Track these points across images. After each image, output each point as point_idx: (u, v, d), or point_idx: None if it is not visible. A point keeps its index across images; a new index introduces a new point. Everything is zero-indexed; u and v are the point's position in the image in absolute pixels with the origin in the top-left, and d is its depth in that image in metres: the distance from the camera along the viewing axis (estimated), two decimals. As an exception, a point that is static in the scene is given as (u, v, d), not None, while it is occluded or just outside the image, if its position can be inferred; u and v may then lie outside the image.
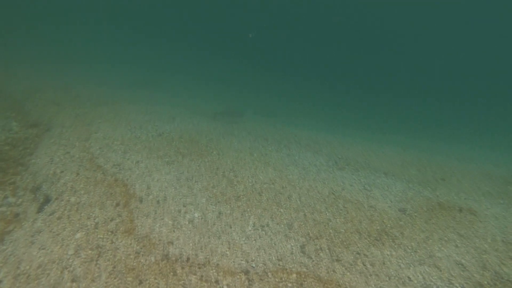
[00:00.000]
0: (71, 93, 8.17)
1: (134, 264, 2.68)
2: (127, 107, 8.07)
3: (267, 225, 3.55)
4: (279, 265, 2.94)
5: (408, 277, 2.95)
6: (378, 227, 3.76)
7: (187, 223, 3.36)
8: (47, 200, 3.58)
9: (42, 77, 9.41)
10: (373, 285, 2.81)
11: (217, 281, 2.64)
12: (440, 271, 3.04)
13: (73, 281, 2.46)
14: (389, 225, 3.84)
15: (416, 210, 4.37)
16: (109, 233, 3.02)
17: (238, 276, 2.73)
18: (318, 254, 3.16)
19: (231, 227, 3.41)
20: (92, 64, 16.19)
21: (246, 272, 2.79)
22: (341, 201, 4.42)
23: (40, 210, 3.41)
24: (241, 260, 2.92)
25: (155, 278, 2.58)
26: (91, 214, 3.25)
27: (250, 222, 3.56)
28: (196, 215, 3.55)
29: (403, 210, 4.32)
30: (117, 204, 3.48)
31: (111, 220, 3.19)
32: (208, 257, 2.89)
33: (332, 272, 2.92)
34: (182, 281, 2.59)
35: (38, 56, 14.11)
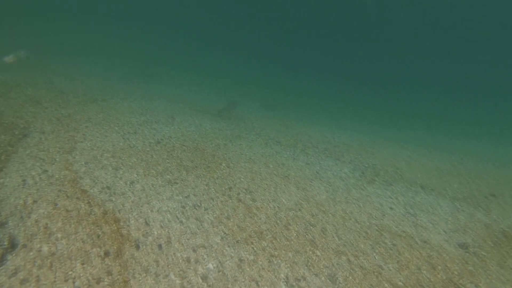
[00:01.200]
0: (55, 89, 7.18)
1: None
2: (120, 105, 7.12)
3: (304, 278, 2.74)
4: None
5: None
6: (444, 276, 2.97)
7: (200, 281, 2.54)
8: (12, 246, 2.73)
9: (22, 70, 8.36)
10: None
11: None
12: None
13: None
14: (455, 272, 3.05)
15: (480, 245, 3.58)
16: (94, 305, 2.19)
17: None
18: (379, 327, 2.37)
19: (258, 285, 2.60)
20: (80, 55, 15.02)
21: None
22: (387, 235, 3.61)
23: (1, 261, 2.57)
24: None
25: None
26: (69, 272, 2.41)
27: (282, 275, 2.75)
28: (210, 266, 2.73)
29: (464, 246, 3.53)
30: (106, 254, 2.64)
31: (98, 283, 2.36)
32: None
33: None
34: None
35: (20, 46, 12.91)
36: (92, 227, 2.94)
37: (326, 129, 9.99)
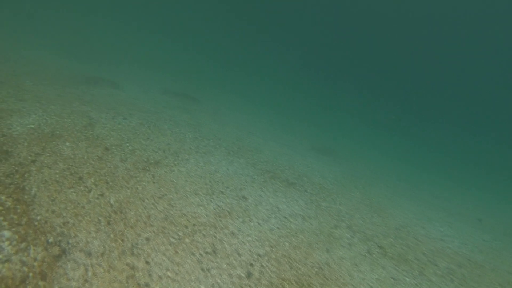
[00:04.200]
0: (97, 142, 5.79)
1: None
2: (176, 175, 5.66)
3: None
4: None
5: None
6: None
7: None
8: None
9: (57, 96, 7.06)
10: None
11: None
12: None
13: None
14: None
15: None
16: None
17: None
18: None
19: None
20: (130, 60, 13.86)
21: None
22: None
23: None
24: None
25: None
26: None
27: None
28: None
29: None
30: None
31: None
32: None
33: None
34: None
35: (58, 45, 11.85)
36: None
37: (420, 210, 8.26)
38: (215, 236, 4.24)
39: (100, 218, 3.87)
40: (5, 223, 3.59)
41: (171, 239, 3.91)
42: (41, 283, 3.06)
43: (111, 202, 4.23)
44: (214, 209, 4.92)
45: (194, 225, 4.32)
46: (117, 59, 15.19)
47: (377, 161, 14.37)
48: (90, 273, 3.17)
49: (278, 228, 5.09)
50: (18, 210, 3.80)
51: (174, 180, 5.36)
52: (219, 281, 3.52)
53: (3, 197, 3.91)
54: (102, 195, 4.31)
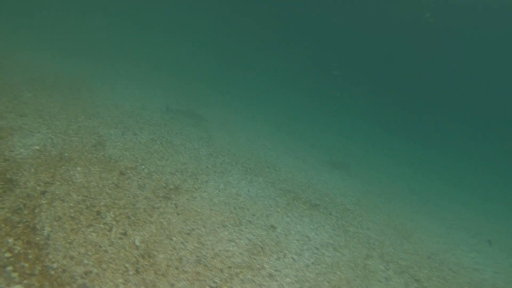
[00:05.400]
0: (110, 164, 5.26)
1: None
2: (199, 202, 5.20)
3: None
4: None
5: None
6: None
7: None
8: None
9: (61, 108, 6.48)
10: None
11: None
12: None
13: None
14: None
15: None
16: None
17: None
18: None
19: None
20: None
21: None
22: None
23: None
24: None
25: None
26: None
27: None
28: None
29: None
30: None
31: None
32: None
33: None
34: None
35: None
36: None
37: (443, 232, 7.99)
38: (253, 281, 3.80)
39: (127, 265, 3.38)
40: (15, 274, 3.08)
41: (205, 286, 3.45)
42: None
43: (137, 243, 3.74)
44: (246, 244, 4.47)
45: (229, 267, 3.87)
46: (117, 60, 14.58)
47: (387, 170, 14.16)
48: None
49: (313, 263, 4.68)
50: (30, 256, 3.29)
51: (199, 210, 4.89)
52: None
53: (11, 240, 3.39)
54: (125, 234, 3.82)
